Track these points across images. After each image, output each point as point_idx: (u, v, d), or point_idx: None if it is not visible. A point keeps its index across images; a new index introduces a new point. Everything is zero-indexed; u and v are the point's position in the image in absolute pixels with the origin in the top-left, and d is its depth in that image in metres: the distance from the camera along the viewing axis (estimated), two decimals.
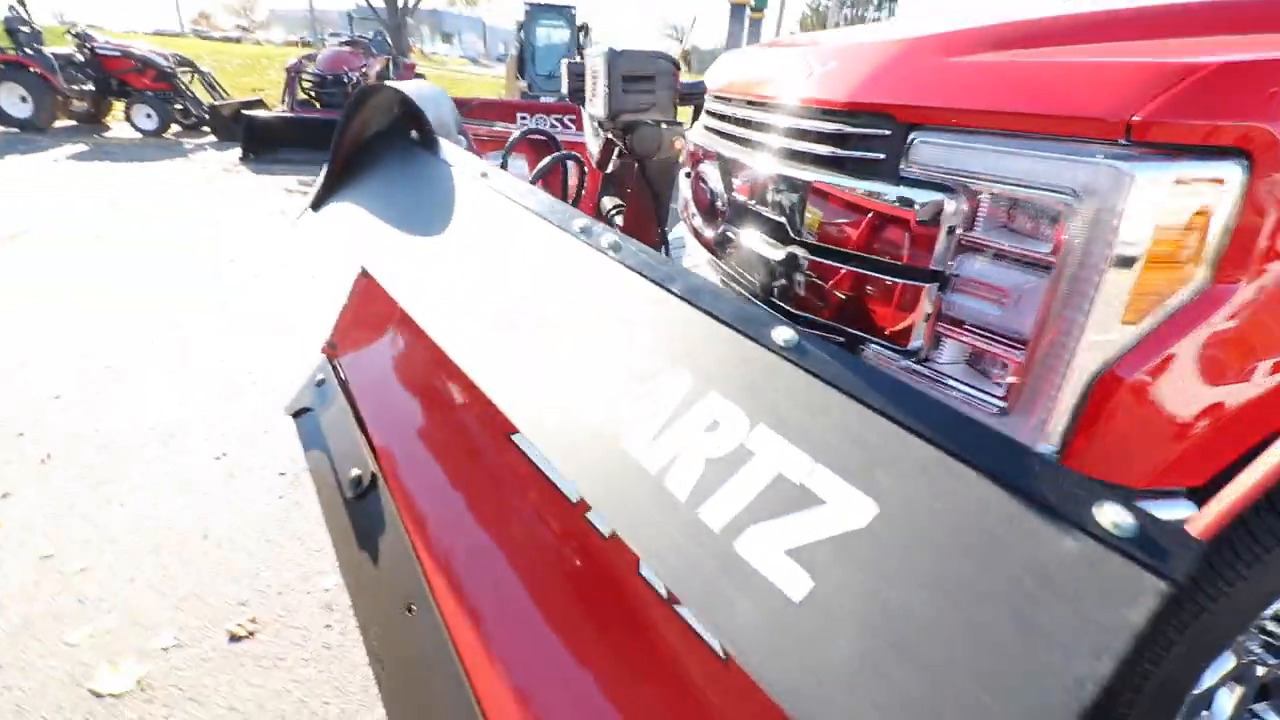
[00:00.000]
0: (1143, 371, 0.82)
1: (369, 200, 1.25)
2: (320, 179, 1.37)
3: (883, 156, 1.03)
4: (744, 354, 0.62)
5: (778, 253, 1.20)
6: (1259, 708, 1.31)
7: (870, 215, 1.06)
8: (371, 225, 1.18)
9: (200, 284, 3.81)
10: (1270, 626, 1.16)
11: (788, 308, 1.17)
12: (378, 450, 1.36)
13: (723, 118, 1.48)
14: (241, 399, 2.59)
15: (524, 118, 7.80)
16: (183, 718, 1.35)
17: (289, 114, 8.00)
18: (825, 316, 1.10)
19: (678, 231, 1.88)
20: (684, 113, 1.60)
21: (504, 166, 1.52)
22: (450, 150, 1.22)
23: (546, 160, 1.34)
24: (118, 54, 8.80)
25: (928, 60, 1.00)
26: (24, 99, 8.68)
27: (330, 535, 1.32)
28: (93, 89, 9.04)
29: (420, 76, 9.93)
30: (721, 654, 0.84)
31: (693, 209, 1.61)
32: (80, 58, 8.99)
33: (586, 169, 1.51)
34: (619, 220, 1.76)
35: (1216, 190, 0.76)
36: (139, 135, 8.86)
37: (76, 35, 9.06)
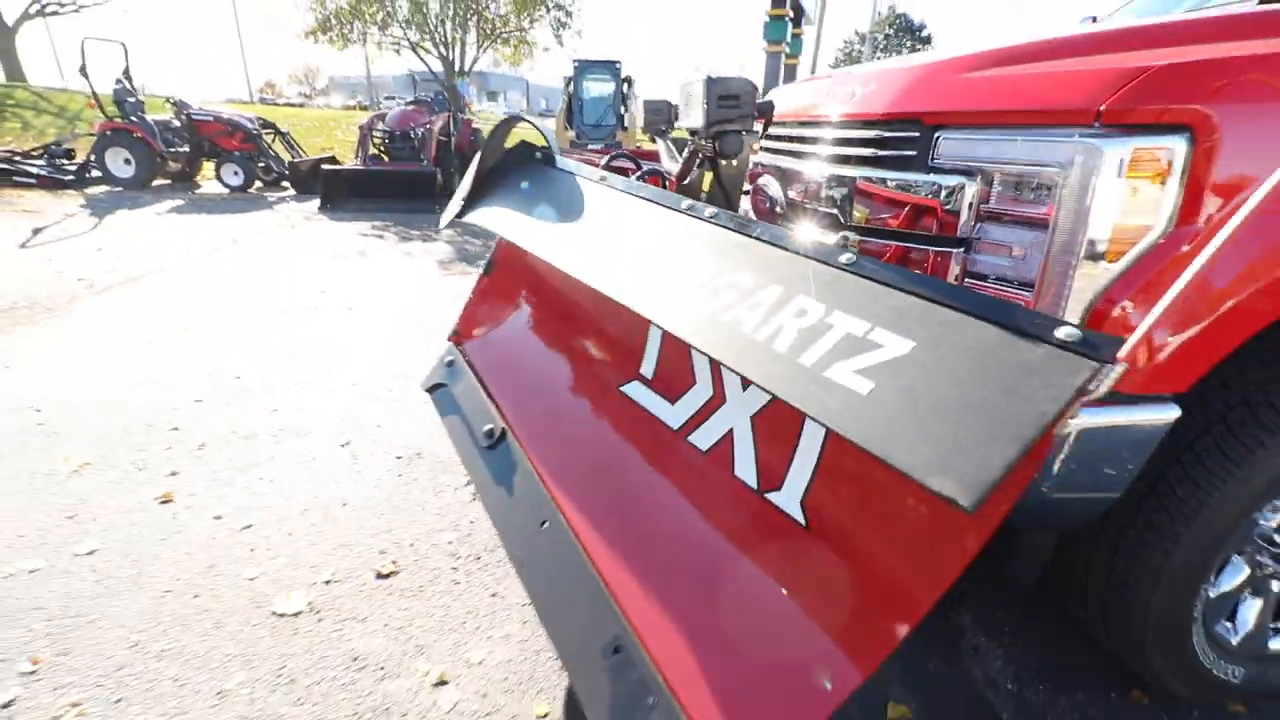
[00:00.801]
0: (1125, 300, 1.07)
1: (510, 201, 1.59)
2: (462, 194, 1.72)
3: (914, 153, 1.32)
4: (819, 270, 0.91)
5: (831, 238, 1.49)
6: None
7: (904, 203, 1.34)
8: (516, 216, 1.52)
9: (300, 313, 4.28)
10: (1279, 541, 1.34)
11: None
12: (503, 409, 1.68)
13: (780, 138, 1.79)
14: (351, 401, 2.96)
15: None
16: (350, 630, 1.66)
17: (362, 167, 8.74)
18: None
19: None
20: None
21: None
22: (566, 163, 1.57)
23: (640, 173, 1.67)
24: (210, 119, 9.79)
25: (947, 76, 1.30)
26: (128, 161, 9.68)
27: (470, 477, 1.63)
28: (187, 150, 10.03)
29: (477, 130, 10.70)
30: (803, 523, 1.10)
31: (753, 216, 1.92)
32: (176, 123, 10.03)
33: (666, 183, 1.84)
34: None
35: (1168, 157, 1.02)
36: (227, 190, 9.75)
37: (174, 104, 10.12)
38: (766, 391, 0.83)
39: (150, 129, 9.64)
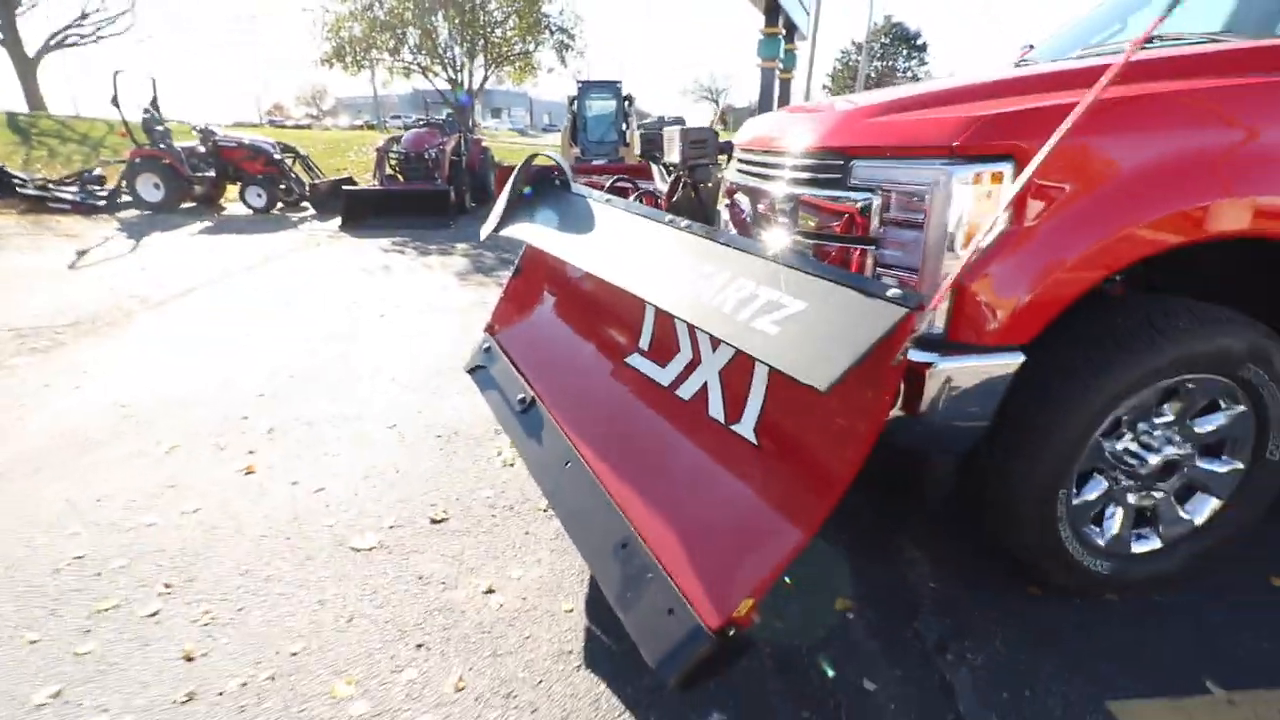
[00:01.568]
0: (978, 276, 1.51)
1: (536, 216, 2.05)
2: (498, 212, 2.18)
3: (839, 176, 1.77)
4: (752, 261, 1.35)
5: (785, 241, 1.93)
6: (1143, 530, 1.89)
7: (832, 212, 1.79)
8: (541, 229, 1.98)
9: (338, 320, 4.75)
10: (1127, 461, 1.76)
11: None
12: (531, 382, 2.13)
13: (747, 163, 2.25)
14: (394, 393, 3.41)
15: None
16: (414, 558, 2.10)
17: (380, 187, 9.27)
18: None
19: None
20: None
21: None
22: (579, 188, 2.03)
23: (637, 194, 2.13)
24: (234, 145, 10.37)
25: (859, 121, 1.76)
26: (157, 186, 10.24)
27: (508, 435, 2.07)
28: (213, 175, 10.61)
29: (486, 149, 11.25)
30: (755, 443, 1.53)
31: (730, 224, 2.38)
32: (202, 149, 10.61)
33: (660, 201, 2.30)
34: None
35: (998, 175, 1.46)
36: (250, 212, 10.30)
37: (200, 131, 10.70)
38: (720, 339, 1.27)
39: (178, 155, 10.22)
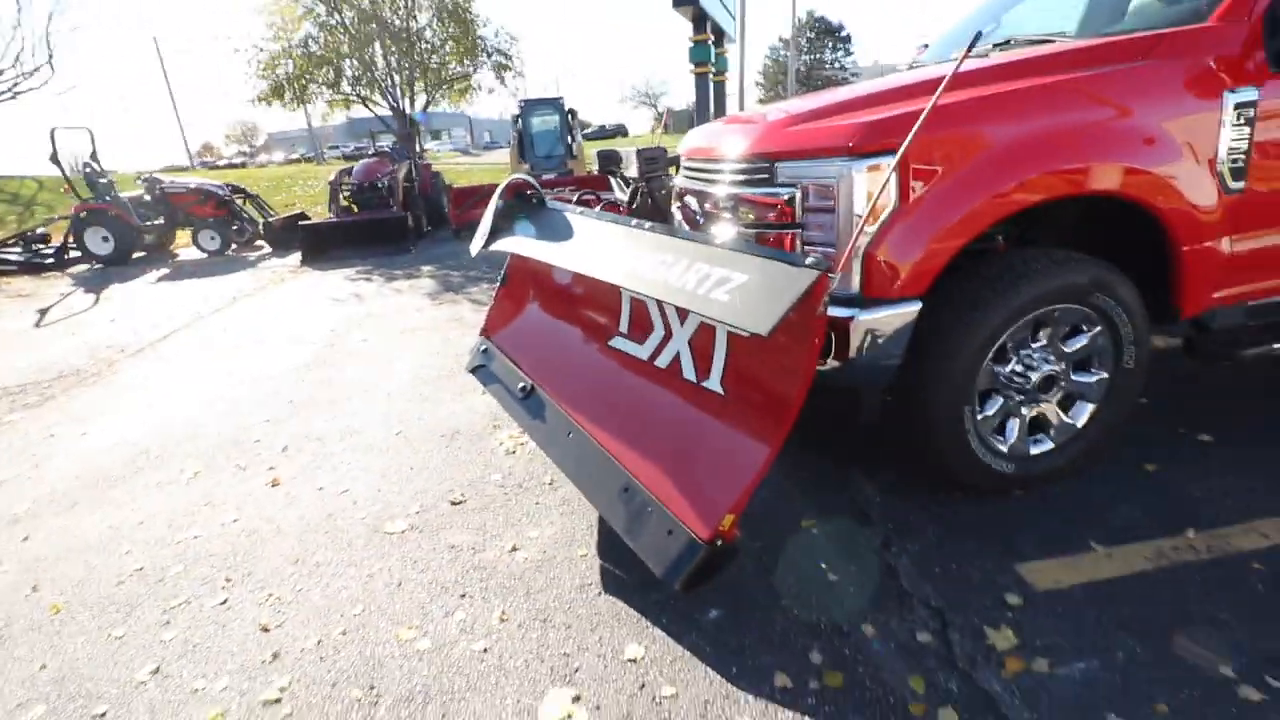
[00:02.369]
0: (882, 246, 1.94)
1: (519, 231, 2.42)
2: (484, 230, 2.53)
3: (767, 176, 2.18)
4: (703, 248, 1.75)
5: (731, 232, 2.34)
6: (1038, 436, 2.34)
7: (765, 205, 2.20)
8: (524, 240, 2.35)
9: (320, 348, 5.00)
10: (1015, 380, 2.21)
11: None
12: (528, 373, 2.49)
13: (693, 170, 2.66)
14: (391, 405, 3.71)
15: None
16: (443, 533, 2.42)
17: (336, 220, 9.44)
18: None
19: None
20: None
21: None
22: (553, 203, 2.41)
23: (602, 204, 2.51)
24: (183, 190, 10.39)
25: (779, 130, 2.18)
26: (106, 238, 10.18)
27: (513, 418, 2.42)
28: (162, 222, 10.59)
29: (437, 174, 11.49)
30: (722, 393, 1.92)
31: (683, 222, 2.78)
32: (148, 198, 10.58)
33: (622, 209, 2.69)
34: None
35: (886, 167, 1.89)
36: (205, 255, 10.32)
37: (145, 180, 10.68)
38: (687, 312, 1.66)
39: (125, 206, 10.19)
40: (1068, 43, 2.38)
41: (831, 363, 2.06)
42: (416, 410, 3.61)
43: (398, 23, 13.80)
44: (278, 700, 1.75)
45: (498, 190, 2.51)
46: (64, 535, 2.70)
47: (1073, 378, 2.28)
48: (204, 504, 2.83)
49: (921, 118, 1.63)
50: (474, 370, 2.73)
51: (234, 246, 10.63)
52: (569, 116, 11.95)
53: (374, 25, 13.28)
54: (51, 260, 10.14)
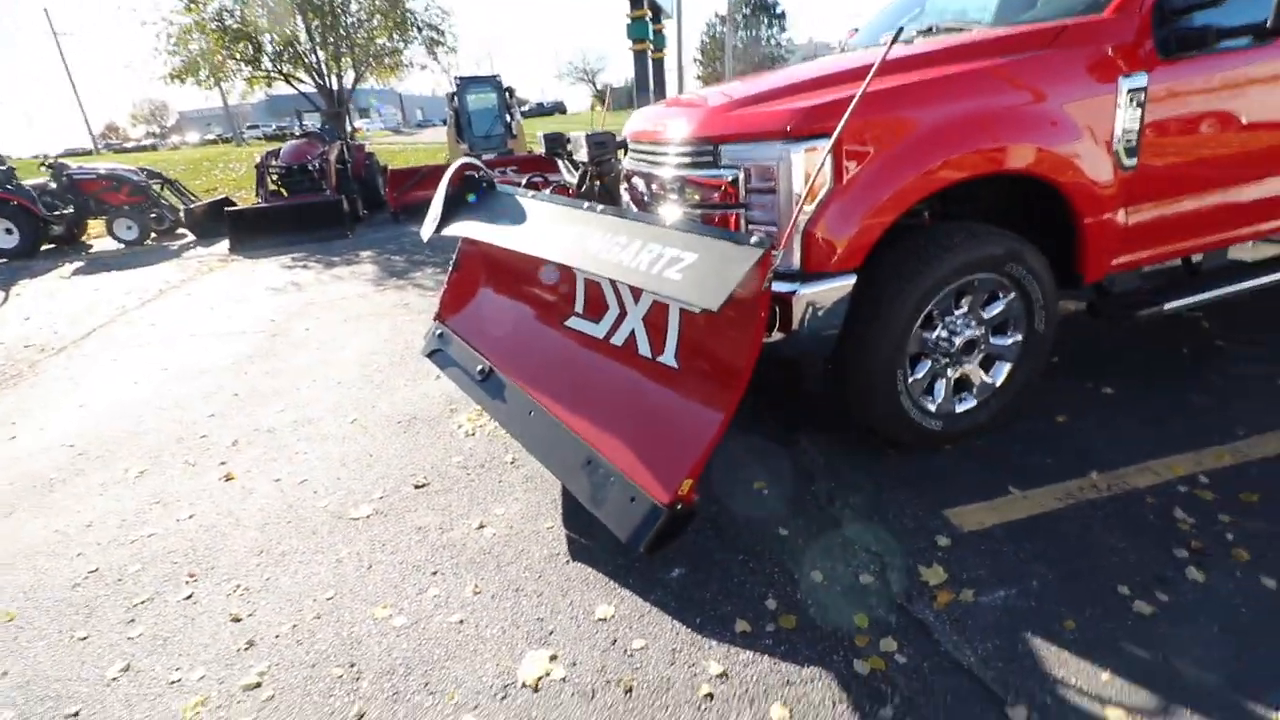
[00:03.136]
0: (820, 224, 2.07)
1: (470, 215, 2.45)
2: (434, 215, 2.55)
3: (711, 159, 2.28)
4: (655, 229, 1.84)
5: (678, 213, 2.44)
6: (963, 395, 2.56)
7: (710, 186, 2.31)
8: (477, 224, 2.39)
9: (261, 340, 4.86)
10: (941, 344, 2.41)
11: None
12: (486, 355, 2.54)
13: (639, 153, 2.74)
14: (342, 393, 3.68)
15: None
16: (409, 515, 2.47)
17: (265, 205, 9.04)
18: None
19: None
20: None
21: None
22: (503, 186, 2.46)
23: (551, 186, 2.57)
24: (93, 176, 9.71)
25: (722, 113, 2.28)
26: (9, 230, 9.45)
27: (474, 401, 2.48)
28: (72, 212, 9.89)
29: (371, 154, 11.11)
30: (677, 366, 2.04)
31: (631, 204, 2.86)
32: (54, 185, 9.85)
33: (570, 192, 2.76)
34: None
35: (821, 149, 2.02)
36: (123, 246, 9.72)
37: (50, 166, 9.93)
38: (640, 291, 1.76)
39: (28, 195, 9.46)
40: (984, 31, 2.57)
41: (776, 335, 2.20)
42: (370, 397, 3.60)
43: None
44: (258, 684, 1.79)
45: (446, 174, 2.53)
46: (7, 542, 2.61)
47: (991, 341, 2.50)
48: (155, 502, 2.78)
49: (852, 104, 1.76)
50: (430, 355, 2.76)
51: (154, 236, 10.04)
52: (507, 94, 11.72)
53: None
54: None
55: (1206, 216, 2.67)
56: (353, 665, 1.81)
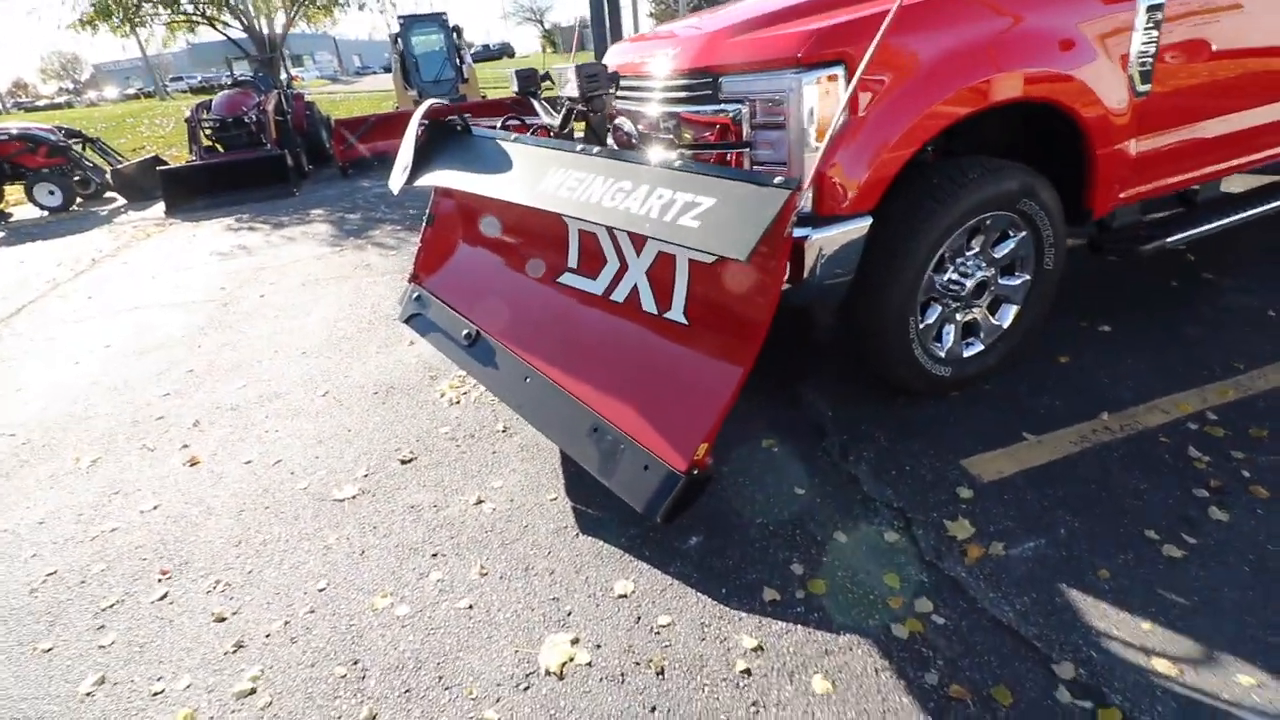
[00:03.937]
0: (831, 161, 1.91)
1: (445, 163, 2.21)
2: (404, 165, 2.29)
3: (710, 92, 2.08)
4: (662, 172, 1.66)
5: (672, 154, 2.24)
6: (970, 339, 2.48)
7: (709, 124, 2.11)
8: (455, 173, 2.16)
9: (213, 310, 4.52)
10: (952, 288, 2.30)
11: None
12: (471, 318, 2.35)
13: (626, 89, 2.50)
14: (309, 363, 3.43)
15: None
16: (399, 494, 2.31)
17: (200, 162, 8.38)
18: None
19: None
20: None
21: None
22: (480, 130, 2.22)
23: (533, 128, 2.33)
24: (5, 138, 8.83)
25: (722, 40, 2.07)
26: None
27: (461, 368, 2.30)
28: None
29: (312, 104, 10.36)
30: (686, 322, 1.88)
31: (615, 145, 2.64)
32: None
33: (552, 135, 2.52)
34: None
35: (835, 77, 1.84)
36: (46, 213, 8.95)
37: None
38: (644, 240, 1.58)
39: None
40: None
41: (785, 284, 2.05)
42: (340, 367, 3.36)
43: None
44: (252, 690, 1.64)
45: (414, 118, 2.26)
46: None
47: (1000, 281, 2.41)
48: (113, 493, 2.55)
49: (886, 21, 1.58)
50: (408, 320, 2.55)
51: (80, 200, 9.27)
52: (455, 35, 10.98)
53: None
54: None
55: (1210, 145, 2.59)
56: (356, 662, 1.68)
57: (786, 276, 2.01)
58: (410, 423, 2.76)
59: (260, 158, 8.25)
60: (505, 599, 1.81)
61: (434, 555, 2.00)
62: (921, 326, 2.30)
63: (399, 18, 10.97)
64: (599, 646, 1.63)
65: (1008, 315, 2.49)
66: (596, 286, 2.10)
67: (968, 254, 2.29)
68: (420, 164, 2.24)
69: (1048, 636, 1.53)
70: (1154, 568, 1.68)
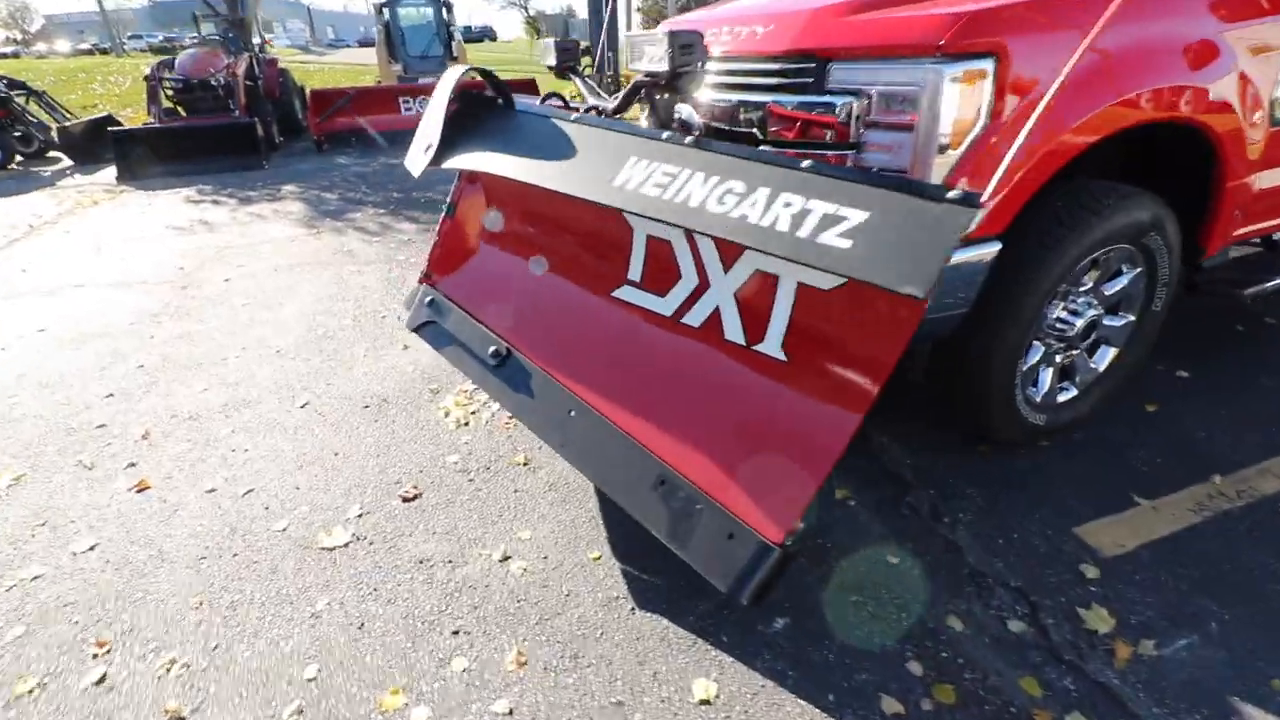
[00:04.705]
0: (963, 174, 1.58)
1: (480, 144, 1.81)
2: (427, 143, 1.87)
3: (812, 80, 1.73)
4: (789, 174, 1.31)
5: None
6: (1064, 384, 2.20)
7: (808, 117, 1.76)
8: (493, 156, 1.76)
9: (169, 294, 3.98)
10: (1058, 327, 2.01)
11: None
12: (500, 332, 1.95)
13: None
14: (282, 365, 2.97)
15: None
16: (403, 543, 1.90)
17: (159, 125, 7.67)
18: None
19: None
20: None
21: None
22: (526, 105, 1.83)
23: (587, 107, 1.96)
24: None
25: (836, 17, 1.71)
26: None
27: (486, 393, 1.90)
28: None
29: (285, 71, 9.65)
30: (784, 359, 1.53)
31: None
32: None
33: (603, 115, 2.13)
34: None
35: (983, 73, 1.51)
36: None
37: None
38: (742, 255, 1.25)
39: None
40: None
41: None
42: (322, 372, 2.92)
43: None
44: None
45: (443, 86, 1.85)
46: None
47: (1104, 322, 2.13)
48: (39, 525, 2.08)
49: (1109, 10, 1.24)
50: (418, 329, 2.13)
51: (19, 159, 8.42)
52: (445, 9, 10.38)
53: None
54: None
55: None
56: None
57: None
58: (410, 448, 2.35)
59: (228, 124, 7.58)
60: (554, 701, 1.43)
61: (455, 632, 1.61)
62: (1025, 368, 2.00)
63: None
64: None
65: (1105, 358, 2.21)
66: (665, 306, 1.72)
67: (1080, 290, 2.00)
68: (448, 143, 1.83)
69: None
70: None
